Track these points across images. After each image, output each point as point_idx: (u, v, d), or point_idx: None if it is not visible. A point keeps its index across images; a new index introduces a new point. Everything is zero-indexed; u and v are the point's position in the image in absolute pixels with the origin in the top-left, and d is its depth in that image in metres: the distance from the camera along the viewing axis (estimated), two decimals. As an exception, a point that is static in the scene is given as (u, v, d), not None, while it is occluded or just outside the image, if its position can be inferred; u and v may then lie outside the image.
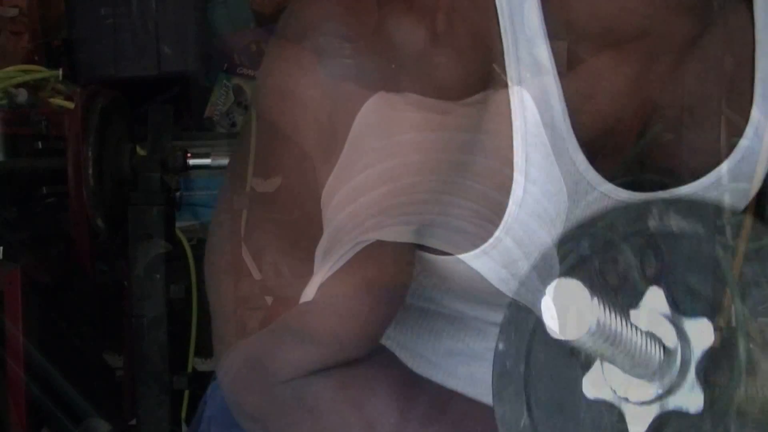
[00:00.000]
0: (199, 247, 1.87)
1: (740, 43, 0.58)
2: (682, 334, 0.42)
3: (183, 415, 1.64)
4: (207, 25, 2.18)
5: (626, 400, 0.42)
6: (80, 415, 2.12)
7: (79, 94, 1.49)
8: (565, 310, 0.37)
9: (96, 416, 2.12)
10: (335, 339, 0.58)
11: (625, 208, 0.48)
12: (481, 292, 0.64)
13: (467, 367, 0.71)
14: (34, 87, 1.67)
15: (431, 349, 0.71)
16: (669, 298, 0.43)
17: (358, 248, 0.54)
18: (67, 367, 2.10)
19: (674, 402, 0.41)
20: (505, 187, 0.54)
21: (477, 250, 0.57)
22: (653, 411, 0.41)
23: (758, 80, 0.58)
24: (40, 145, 1.57)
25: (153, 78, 2.05)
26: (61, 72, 1.86)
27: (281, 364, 0.59)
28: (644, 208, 0.46)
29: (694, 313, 0.42)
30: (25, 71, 1.70)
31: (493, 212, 0.56)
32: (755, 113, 0.58)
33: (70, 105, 1.69)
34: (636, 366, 0.40)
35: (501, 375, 0.46)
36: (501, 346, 0.47)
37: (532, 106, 0.52)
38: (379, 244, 0.55)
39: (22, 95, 1.60)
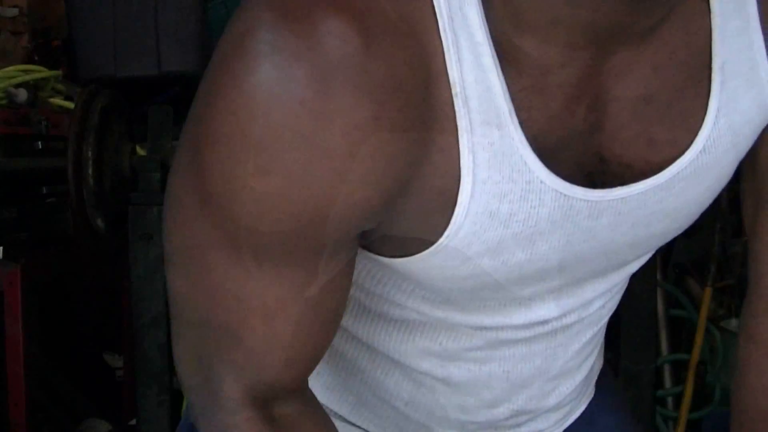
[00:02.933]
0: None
1: (697, 31, 0.56)
2: None
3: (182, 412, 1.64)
4: (207, 25, 2.18)
5: None
6: (80, 415, 2.12)
7: (79, 94, 1.49)
8: None
9: (96, 416, 2.13)
10: (271, 342, 0.58)
11: None
12: (443, 291, 0.64)
13: (444, 369, 0.71)
14: (34, 87, 1.67)
15: (406, 352, 0.71)
16: None
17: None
18: (67, 367, 2.11)
19: None
20: (454, 188, 0.54)
21: (428, 250, 0.57)
22: None
23: (716, 69, 0.57)
24: (40, 145, 1.57)
25: (153, 78, 2.05)
26: (61, 72, 1.86)
27: (219, 366, 0.59)
28: None
29: None
30: (25, 71, 1.70)
31: (444, 212, 0.55)
32: (713, 103, 0.57)
33: (70, 105, 1.69)
34: None
35: None
36: None
37: (477, 106, 0.51)
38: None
39: (22, 95, 1.60)
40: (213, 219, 0.54)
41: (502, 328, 0.68)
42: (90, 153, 1.41)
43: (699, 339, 2.10)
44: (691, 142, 0.58)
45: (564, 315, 0.69)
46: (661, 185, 0.58)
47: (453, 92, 0.51)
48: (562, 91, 0.53)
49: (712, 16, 0.57)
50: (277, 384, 0.59)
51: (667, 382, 2.18)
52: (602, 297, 0.72)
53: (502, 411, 0.75)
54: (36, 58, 1.98)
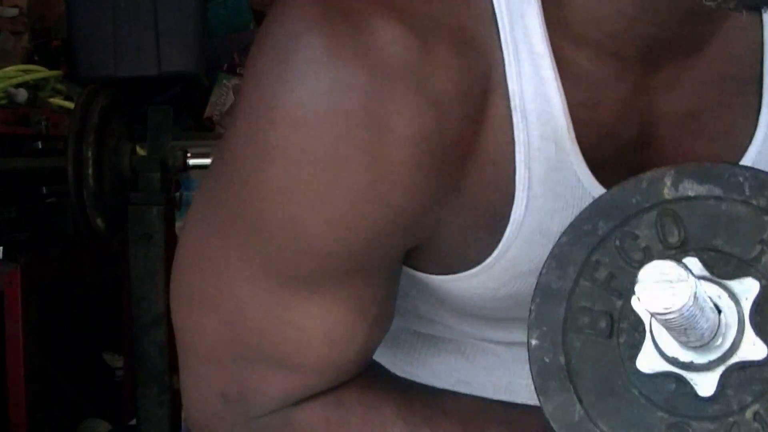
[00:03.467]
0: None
1: (748, 44, 0.55)
2: (731, 295, 0.43)
3: (183, 415, 1.64)
4: (207, 25, 2.18)
5: (689, 366, 0.43)
6: (80, 415, 2.12)
7: (79, 94, 1.49)
8: (659, 289, 0.38)
9: (96, 416, 2.12)
10: (332, 366, 0.54)
11: (636, 182, 0.47)
12: (479, 309, 0.62)
13: (466, 385, 0.70)
14: (34, 87, 1.67)
15: (428, 364, 0.69)
16: (703, 264, 0.44)
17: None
18: (67, 367, 2.11)
19: (738, 356, 0.42)
20: (506, 204, 0.51)
21: (476, 269, 0.55)
22: (719, 370, 0.42)
23: (767, 84, 0.55)
24: (40, 145, 1.57)
25: (153, 78, 2.05)
26: (61, 72, 1.86)
27: (267, 396, 0.55)
28: (656, 178, 0.46)
29: (730, 275, 0.43)
30: (25, 71, 1.70)
31: (494, 229, 0.53)
32: (764, 118, 0.55)
33: (70, 105, 1.69)
34: (698, 334, 0.41)
35: (541, 371, 0.45)
36: (534, 342, 0.46)
37: (535, 119, 0.49)
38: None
39: (22, 95, 1.60)
40: (264, 245, 0.50)
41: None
42: (90, 153, 1.41)
43: (699, 339, 2.10)
44: (740, 157, 0.56)
45: None
46: None
47: (511, 104, 0.49)
48: (613, 106, 0.52)
49: (765, 31, 0.55)
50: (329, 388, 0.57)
51: (667, 382, 2.17)
52: None
53: None
54: (36, 58, 1.97)
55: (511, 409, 0.58)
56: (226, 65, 2.21)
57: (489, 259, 0.54)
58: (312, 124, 0.46)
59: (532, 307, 0.47)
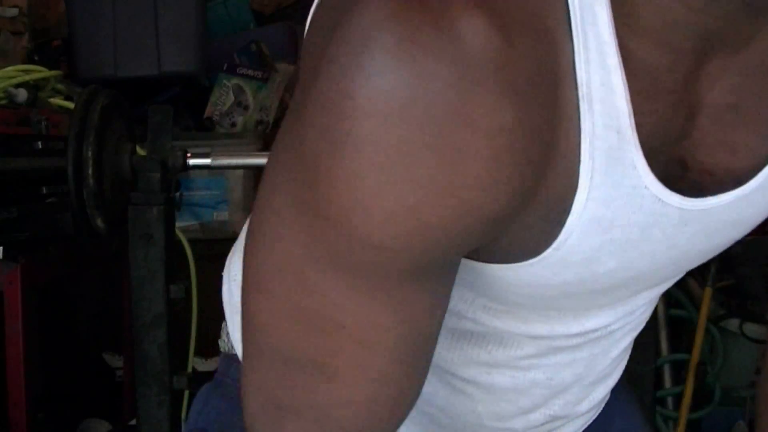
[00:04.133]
0: (199, 247, 1.87)
1: None
2: None
3: (183, 415, 1.64)
4: (207, 25, 2.18)
5: None
6: (80, 415, 2.12)
7: (79, 94, 1.49)
8: None
9: (96, 416, 2.12)
10: (366, 375, 0.53)
11: None
12: (515, 302, 0.62)
13: (489, 376, 0.71)
14: (34, 87, 1.67)
15: (452, 360, 0.70)
16: None
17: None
18: (67, 367, 2.11)
19: None
20: (570, 195, 0.51)
21: (533, 260, 0.54)
22: None
23: None
24: (40, 145, 1.57)
25: (153, 78, 2.05)
26: (61, 72, 1.86)
27: (312, 413, 0.54)
28: None
29: None
30: (25, 71, 1.70)
31: (555, 220, 0.52)
32: None
33: (70, 105, 1.69)
34: None
35: None
36: None
37: (600, 108, 0.49)
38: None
39: (22, 95, 1.60)
40: (324, 237, 0.49)
41: (555, 336, 0.68)
42: (90, 153, 1.41)
43: (699, 339, 2.10)
44: None
45: (613, 322, 0.69)
46: (744, 196, 0.57)
47: (579, 93, 0.49)
48: (667, 96, 0.52)
49: None
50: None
51: (667, 382, 2.17)
52: (648, 303, 0.71)
53: (537, 417, 0.75)
54: (36, 58, 1.98)
55: None
56: (226, 65, 2.21)
57: (547, 251, 0.54)
58: (390, 114, 0.45)
59: None
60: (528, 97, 0.46)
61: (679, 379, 2.16)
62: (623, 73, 0.49)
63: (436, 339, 0.56)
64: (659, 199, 0.53)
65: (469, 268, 0.58)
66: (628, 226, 0.54)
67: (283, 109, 2.30)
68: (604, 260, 0.56)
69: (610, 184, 0.51)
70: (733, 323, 2.22)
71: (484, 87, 0.44)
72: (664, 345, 2.17)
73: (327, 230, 0.48)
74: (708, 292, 2.09)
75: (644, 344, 1.94)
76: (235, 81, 2.19)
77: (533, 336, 0.68)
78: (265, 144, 2.05)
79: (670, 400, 2.16)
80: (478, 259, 0.57)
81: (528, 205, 0.50)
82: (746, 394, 2.21)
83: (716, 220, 0.58)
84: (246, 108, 2.20)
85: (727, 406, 2.21)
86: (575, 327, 0.68)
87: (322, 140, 0.47)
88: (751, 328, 2.19)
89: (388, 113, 0.45)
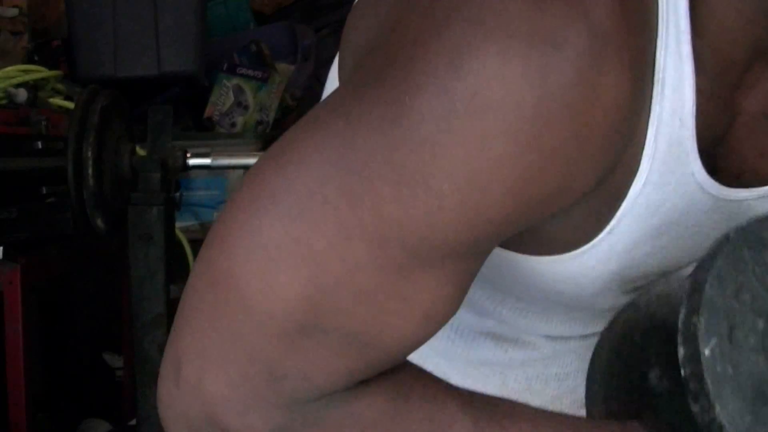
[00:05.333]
0: (199, 247, 1.87)
1: None
2: None
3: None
4: (207, 25, 2.18)
5: None
6: (80, 415, 2.12)
7: (79, 94, 1.49)
8: None
9: (96, 416, 2.13)
10: (409, 343, 0.49)
11: None
12: (557, 294, 0.61)
13: (501, 376, 0.71)
14: (34, 87, 1.67)
15: (465, 359, 0.70)
16: None
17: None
18: (67, 367, 2.11)
19: None
20: (628, 179, 0.51)
21: (585, 246, 0.53)
22: None
23: None
24: (40, 145, 1.57)
25: (153, 78, 2.05)
26: (61, 72, 1.86)
27: (328, 377, 0.49)
28: None
29: None
30: (25, 71, 1.70)
31: (609, 205, 0.52)
32: None
33: (70, 105, 1.69)
34: None
35: (716, 380, 0.46)
36: (707, 352, 0.47)
37: (670, 93, 0.49)
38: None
39: (22, 95, 1.60)
40: (416, 208, 0.44)
41: (573, 338, 0.69)
42: (90, 153, 1.41)
43: (699, 339, 2.10)
44: None
45: None
46: None
47: (655, 78, 0.49)
48: (717, 100, 0.53)
49: None
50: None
51: (667, 382, 2.17)
52: None
53: None
54: (36, 58, 1.97)
55: (574, 419, 0.55)
56: (226, 65, 2.21)
57: (596, 239, 0.53)
58: (523, 80, 0.43)
59: (698, 319, 0.47)
60: (637, 74, 0.46)
61: (679, 379, 2.16)
62: (694, 63, 0.49)
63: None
64: (700, 186, 0.54)
65: (518, 262, 0.57)
66: (669, 211, 0.54)
67: (283, 109, 2.30)
68: (641, 246, 0.56)
69: (665, 170, 0.51)
70: (733, 323, 2.22)
71: (610, 60, 0.44)
72: (664, 345, 2.17)
73: (428, 202, 0.44)
74: (708, 292, 2.09)
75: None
76: (235, 81, 2.19)
77: (552, 336, 0.68)
78: (265, 144, 2.05)
79: (670, 400, 2.16)
80: (526, 252, 0.56)
81: (601, 185, 0.49)
82: (746, 394, 2.21)
83: (739, 213, 0.58)
84: (246, 108, 2.20)
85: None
86: (591, 327, 0.68)
87: (439, 102, 0.43)
88: (751, 328, 2.19)
89: (519, 81, 0.42)
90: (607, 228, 0.53)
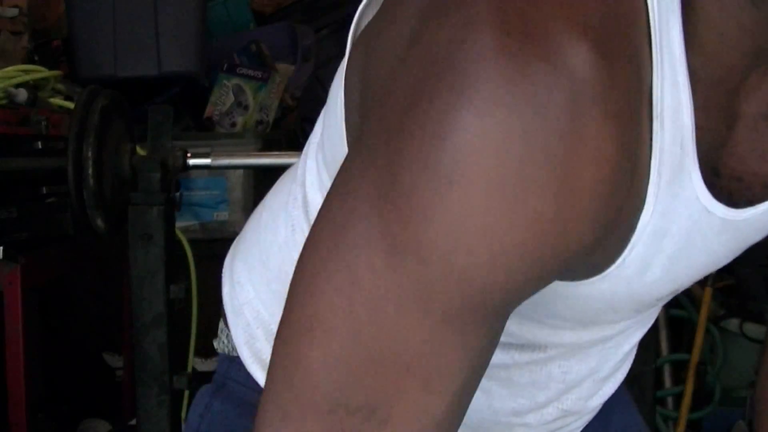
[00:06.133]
0: (199, 247, 1.87)
1: None
2: None
3: (183, 415, 1.64)
4: (207, 25, 2.18)
5: None
6: (80, 415, 2.12)
7: (79, 94, 1.49)
8: None
9: (96, 416, 2.13)
10: (422, 418, 0.49)
11: None
12: (572, 312, 0.62)
13: (507, 371, 0.71)
14: (34, 87, 1.67)
15: None
16: None
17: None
18: (67, 367, 2.11)
19: None
20: (637, 212, 0.51)
21: (599, 276, 0.54)
22: None
23: None
24: (40, 145, 1.57)
25: (153, 78, 2.05)
26: (61, 72, 1.86)
27: None
28: None
29: None
30: (25, 71, 1.70)
31: (621, 237, 0.52)
32: None
33: (70, 105, 1.69)
34: None
35: None
36: None
37: (670, 125, 0.49)
38: None
39: (22, 95, 1.60)
40: (414, 276, 0.46)
41: (580, 344, 0.69)
42: (90, 153, 1.41)
43: (699, 339, 2.10)
44: None
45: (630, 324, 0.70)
46: None
47: (654, 113, 0.49)
48: (715, 110, 0.53)
49: None
50: None
51: (667, 382, 2.18)
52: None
53: (551, 411, 0.75)
54: (36, 58, 1.97)
55: None
56: (226, 65, 2.21)
57: (611, 268, 0.54)
58: (505, 149, 0.43)
59: None
60: (626, 123, 0.46)
61: (679, 379, 2.16)
62: (690, 89, 0.49)
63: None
64: (706, 209, 0.54)
65: None
66: (678, 234, 0.54)
67: (283, 109, 2.30)
68: (653, 270, 0.56)
69: (670, 196, 0.52)
70: (733, 323, 2.22)
71: (592, 117, 0.44)
72: (664, 345, 2.17)
73: (419, 270, 0.46)
74: (708, 292, 2.09)
75: (644, 344, 1.94)
76: (235, 81, 2.19)
77: (557, 344, 0.68)
78: (265, 144, 2.05)
79: (670, 400, 2.16)
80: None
81: (610, 230, 0.50)
82: (746, 394, 2.21)
83: (747, 228, 0.59)
84: (246, 108, 2.21)
85: (727, 406, 2.21)
86: (598, 334, 0.69)
87: (423, 175, 0.44)
88: (751, 328, 2.19)
89: (501, 151, 0.43)
90: (618, 260, 0.53)
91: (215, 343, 0.84)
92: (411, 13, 0.49)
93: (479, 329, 0.49)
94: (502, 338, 0.66)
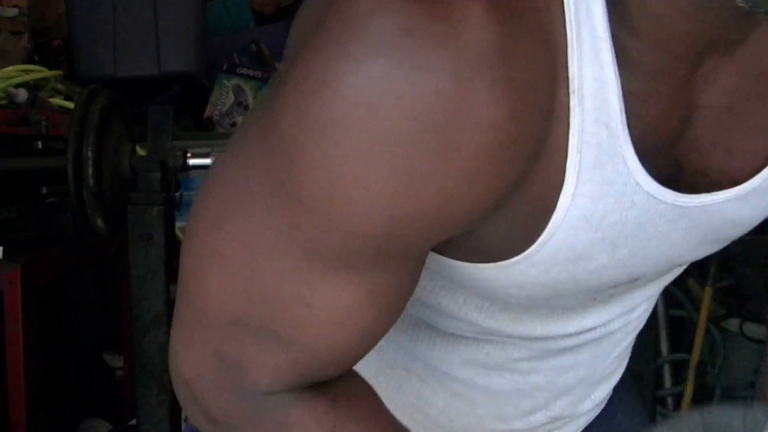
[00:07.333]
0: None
1: None
2: None
3: (183, 415, 1.64)
4: (207, 25, 2.18)
5: None
6: (80, 415, 2.12)
7: (79, 94, 1.49)
8: None
9: (96, 416, 2.12)
10: (331, 348, 0.53)
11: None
12: (505, 301, 0.62)
13: (486, 377, 0.71)
14: (34, 87, 1.67)
15: (448, 361, 0.70)
16: None
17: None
18: (67, 367, 2.11)
19: None
20: (555, 192, 0.51)
21: (517, 257, 0.54)
22: None
23: None
24: (40, 145, 1.57)
25: (153, 78, 2.05)
26: (61, 72, 1.86)
27: (260, 370, 0.54)
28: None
29: None
30: (25, 71, 1.70)
31: (540, 217, 0.52)
32: None
33: (70, 105, 1.69)
34: None
35: None
36: None
37: (591, 103, 0.48)
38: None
39: (22, 95, 1.60)
40: (297, 216, 0.48)
41: (551, 337, 0.68)
42: (90, 153, 1.41)
43: (699, 339, 2.10)
44: None
45: (610, 321, 0.69)
46: (741, 196, 0.57)
47: (570, 89, 0.48)
48: (661, 99, 0.52)
49: None
50: (322, 378, 0.56)
51: (667, 382, 2.18)
52: (646, 301, 0.71)
53: (538, 418, 0.75)
54: (36, 58, 1.97)
55: None
56: (226, 65, 2.21)
57: (531, 248, 0.53)
58: (381, 103, 0.43)
59: None
60: (522, 92, 0.45)
61: (679, 379, 2.16)
62: (617, 69, 0.49)
63: (402, 310, 0.56)
64: (652, 196, 0.53)
65: (457, 268, 0.58)
66: (620, 222, 0.54)
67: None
68: (595, 256, 0.56)
69: (599, 181, 0.51)
70: (733, 323, 2.22)
71: (479, 82, 0.44)
72: (664, 345, 2.17)
73: (303, 214, 0.48)
74: (708, 292, 2.09)
75: (644, 344, 1.94)
76: (235, 81, 2.19)
77: (528, 337, 0.67)
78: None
79: (670, 400, 2.16)
80: (464, 260, 0.57)
81: (513, 201, 0.50)
82: (746, 394, 2.21)
83: (711, 218, 0.58)
84: (246, 108, 2.21)
85: (727, 406, 2.20)
86: (571, 326, 0.67)
87: (302, 125, 0.46)
88: (751, 328, 2.19)
89: (376, 104, 0.43)
90: (539, 241, 0.53)
91: None
92: None
93: (376, 271, 0.51)
94: (468, 330, 0.66)
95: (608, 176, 0.51)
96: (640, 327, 0.75)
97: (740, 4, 0.43)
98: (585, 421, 0.81)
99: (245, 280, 0.52)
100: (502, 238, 0.54)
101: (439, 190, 0.46)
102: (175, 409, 1.48)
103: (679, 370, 2.17)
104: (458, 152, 0.45)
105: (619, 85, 0.49)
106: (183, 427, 1.53)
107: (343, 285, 0.51)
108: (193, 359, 0.57)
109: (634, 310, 0.70)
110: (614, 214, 0.53)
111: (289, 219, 0.49)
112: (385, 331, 0.55)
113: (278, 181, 0.48)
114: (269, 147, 0.49)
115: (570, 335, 0.68)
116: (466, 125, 0.44)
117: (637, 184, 0.52)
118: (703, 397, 2.18)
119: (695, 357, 2.09)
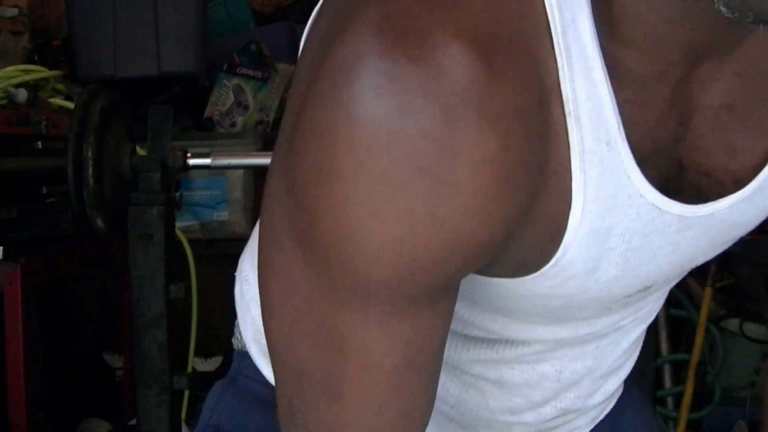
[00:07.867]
0: (199, 247, 1.87)
1: None
2: None
3: (183, 415, 1.64)
4: (207, 25, 2.18)
5: None
6: (80, 415, 2.12)
7: (79, 94, 1.49)
8: None
9: (96, 416, 2.12)
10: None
11: None
12: (520, 310, 0.63)
13: (497, 371, 0.71)
14: (34, 87, 1.67)
15: (459, 359, 0.71)
16: None
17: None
18: (67, 367, 2.11)
19: None
20: (565, 211, 0.51)
21: (532, 275, 0.55)
22: None
23: None
24: (40, 145, 1.57)
25: (153, 78, 2.05)
26: (61, 72, 1.86)
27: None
28: None
29: None
30: (25, 71, 1.70)
31: (552, 237, 0.53)
32: None
33: (70, 105, 1.69)
34: None
35: None
36: None
37: (588, 122, 0.49)
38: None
39: (22, 95, 1.60)
40: (317, 265, 0.50)
41: (564, 339, 0.69)
42: (90, 153, 1.41)
43: (699, 339, 2.10)
44: None
45: (621, 320, 0.70)
46: (745, 199, 0.57)
47: (566, 110, 0.49)
48: (657, 105, 0.53)
49: None
50: None
51: (667, 382, 2.17)
52: (656, 299, 0.72)
53: (548, 410, 0.75)
54: (36, 58, 1.97)
55: None
56: (226, 65, 2.21)
57: (546, 267, 0.54)
58: (372, 147, 0.45)
59: None
60: (513, 123, 0.46)
61: (679, 379, 2.16)
62: (609, 84, 0.49)
63: (441, 357, 0.56)
64: (657, 207, 0.54)
65: (476, 283, 0.59)
66: (627, 234, 0.54)
67: (282, 109, 2.29)
68: (605, 269, 0.56)
69: (605, 196, 0.52)
70: (733, 323, 2.22)
71: (465, 119, 0.45)
72: (664, 345, 2.17)
73: (320, 258, 0.49)
74: (708, 292, 2.09)
75: (644, 344, 1.94)
76: (235, 81, 2.19)
77: (541, 341, 0.68)
78: (265, 144, 2.05)
79: (670, 400, 2.16)
80: (484, 275, 0.58)
81: (523, 228, 0.51)
82: (746, 394, 2.21)
83: (718, 223, 0.58)
84: (246, 108, 2.21)
85: (727, 406, 2.21)
86: (582, 330, 0.68)
87: (308, 171, 0.47)
88: (751, 328, 2.19)
89: (370, 145, 0.45)
90: (553, 260, 0.54)
91: (233, 341, 0.85)
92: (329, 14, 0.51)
93: (394, 312, 0.51)
94: (481, 333, 0.67)
95: (613, 190, 0.52)
96: (650, 319, 0.76)
97: (727, 15, 0.43)
98: (595, 414, 0.81)
99: (295, 329, 0.53)
100: (520, 259, 0.55)
101: (445, 229, 0.47)
102: (175, 409, 1.48)
103: (678, 370, 2.17)
104: (457, 190, 0.46)
105: (614, 100, 0.50)
106: (183, 427, 1.53)
107: (368, 330, 0.51)
108: (281, 408, 0.58)
109: (644, 308, 0.71)
110: (622, 225, 0.54)
111: (310, 265, 0.50)
112: (424, 378, 0.55)
113: (298, 229, 0.50)
114: (286, 194, 0.50)
115: (582, 336, 0.69)
116: (459, 163, 0.45)
117: (642, 195, 0.53)
118: (703, 397, 2.18)
119: (695, 357, 2.09)
